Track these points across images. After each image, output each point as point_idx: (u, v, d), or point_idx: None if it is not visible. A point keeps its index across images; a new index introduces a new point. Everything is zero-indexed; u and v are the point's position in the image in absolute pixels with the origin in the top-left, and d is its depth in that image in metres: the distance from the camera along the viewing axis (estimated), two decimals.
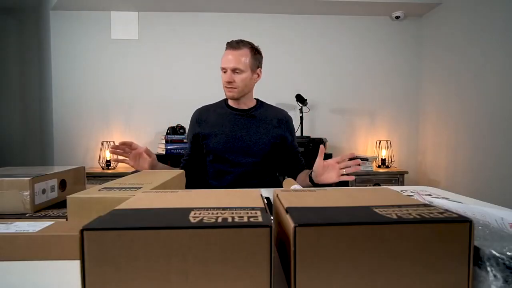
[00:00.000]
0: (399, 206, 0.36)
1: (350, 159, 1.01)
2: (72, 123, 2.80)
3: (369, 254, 0.30)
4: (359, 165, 0.98)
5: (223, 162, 1.24)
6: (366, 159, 2.63)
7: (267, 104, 1.35)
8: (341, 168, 1.00)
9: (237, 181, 1.23)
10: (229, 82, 1.19)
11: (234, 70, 1.19)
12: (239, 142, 1.23)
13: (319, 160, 1.03)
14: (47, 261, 0.45)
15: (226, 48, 1.22)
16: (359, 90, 2.94)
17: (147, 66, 2.83)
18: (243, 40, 1.22)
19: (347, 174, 1.01)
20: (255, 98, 1.33)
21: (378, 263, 0.30)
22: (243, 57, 1.19)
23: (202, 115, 1.30)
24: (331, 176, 1.02)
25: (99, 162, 2.68)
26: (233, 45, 1.20)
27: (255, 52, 1.23)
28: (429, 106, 2.83)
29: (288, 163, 1.31)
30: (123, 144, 1.12)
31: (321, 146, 1.04)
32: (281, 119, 1.30)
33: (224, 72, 1.21)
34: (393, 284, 0.30)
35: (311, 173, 1.10)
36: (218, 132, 1.24)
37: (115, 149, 1.12)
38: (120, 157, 1.12)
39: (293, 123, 1.39)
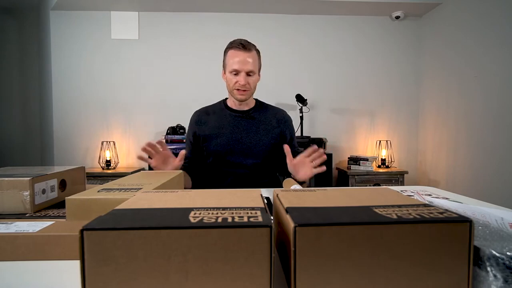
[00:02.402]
0: (399, 206, 0.36)
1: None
2: (72, 123, 2.80)
3: (369, 254, 0.30)
4: (324, 154, 1.03)
5: (224, 164, 1.24)
6: (366, 159, 2.63)
7: (266, 104, 1.35)
8: (311, 162, 1.04)
9: (238, 182, 1.23)
10: (245, 85, 1.17)
11: (247, 73, 1.17)
12: (239, 144, 1.23)
13: (288, 161, 1.06)
14: (47, 261, 0.45)
15: (234, 49, 1.17)
16: (359, 90, 2.94)
17: (147, 66, 2.83)
18: (249, 41, 1.20)
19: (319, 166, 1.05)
20: (254, 98, 1.33)
21: (378, 263, 0.30)
22: (254, 59, 1.18)
23: (201, 117, 1.29)
24: (306, 171, 1.05)
25: (99, 162, 2.68)
26: (245, 46, 1.17)
27: (259, 54, 1.24)
28: (429, 106, 2.83)
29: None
30: (159, 143, 1.06)
31: (285, 145, 1.06)
32: (280, 119, 1.31)
33: (236, 74, 1.18)
34: (393, 284, 0.30)
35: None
36: (219, 134, 1.24)
37: (147, 148, 1.03)
38: (145, 156, 1.05)
39: (293, 123, 1.39)
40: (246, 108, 1.28)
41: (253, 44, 1.22)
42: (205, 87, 2.80)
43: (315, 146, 1.05)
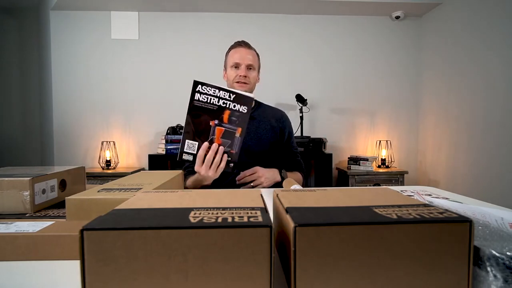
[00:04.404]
0: (399, 206, 0.36)
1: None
2: (72, 123, 2.80)
3: (369, 254, 0.30)
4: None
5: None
6: (366, 159, 2.63)
7: (265, 104, 1.38)
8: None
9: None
10: (245, 77, 1.21)
11: (248, 66, 1.22)
12: None
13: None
14: (47, 261, 0.45)
15: (236, 47, 1.25)
16: (359, 90, 2.94)
17: (147, 66, 2.83)
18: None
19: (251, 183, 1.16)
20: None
21: (378, 263, 0.30)
22: (254, 57, 1.26)
23: None
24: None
25: (99, 162, 2.68)
26: (246, 44, 1.26)
27: (258, 56, 1.30)
28: (429, 106, 2.83)
29: (285, 162, 1.32)
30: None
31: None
32: (279, 118, 1.33)
33: (236, 67, 1.23)
34: (393, 284, 0.30)
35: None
36: None
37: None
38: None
39: (293, 123, 1.41)
40: None
41: (254, 47, 1.29)
42: None
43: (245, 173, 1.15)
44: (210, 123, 0.89)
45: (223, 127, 0.89)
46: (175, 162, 2.59)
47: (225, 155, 0.90)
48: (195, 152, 0.90)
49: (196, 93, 0.87)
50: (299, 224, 0.30)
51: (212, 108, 0.88)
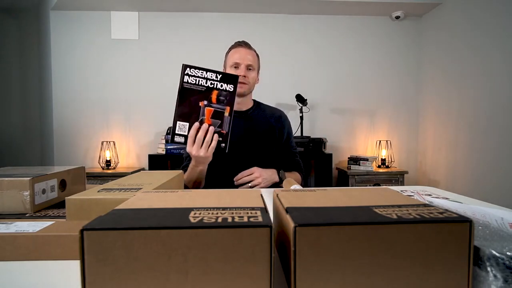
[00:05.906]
0: (399, 206, 0.36)
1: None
2: (72, 123, 2.80)
3: (369, 254, 0.30)
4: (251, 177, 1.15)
5: (224, 164, 1.24)
6: (366, 159, 2.63)
7: (264, 104, 1.38)
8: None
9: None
10: (244, 77, 1.21)
11: (247, 66, 1.23)
12: (239, 144, 1.23)
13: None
14: (47, 261, 0.45)
15: (235, 47, 1.25)
16: (359, 90, 2.94)
17: (147, 66, 2.83)
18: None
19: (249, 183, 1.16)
20: (252, 99, 1.35)
21: (378, 263, 0.30)
22: (254, 57, 1.25)
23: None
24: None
25: (99, 162, 2.68)
26: (246, 44, 1.26)
27: (258, 57, 1.30)
28: (429, 106, 2.83)
29: (283, 162, 1.32)
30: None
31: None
32: (278, 118, 1.33)
33: (236, 67, 1.23)
34: (393, 284, 0.30)
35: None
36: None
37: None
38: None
39: (293, 123, 1.41)
40: (244, 109, 1.30)
41: (254, 48, 1.29)
42: None
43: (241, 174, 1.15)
44: (200, 104, 0.93)
45: (212, 107, 0.93)
46: (175, 162, 2.59)
47: (216, 134, 0.94)
48: (186, 133, 0.94)
49: (185, 76, 0.93)
50: (299, 224, 0.30)
51: (200, 89, 0.93)
